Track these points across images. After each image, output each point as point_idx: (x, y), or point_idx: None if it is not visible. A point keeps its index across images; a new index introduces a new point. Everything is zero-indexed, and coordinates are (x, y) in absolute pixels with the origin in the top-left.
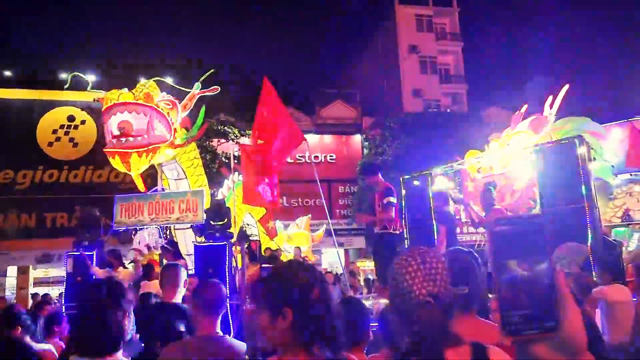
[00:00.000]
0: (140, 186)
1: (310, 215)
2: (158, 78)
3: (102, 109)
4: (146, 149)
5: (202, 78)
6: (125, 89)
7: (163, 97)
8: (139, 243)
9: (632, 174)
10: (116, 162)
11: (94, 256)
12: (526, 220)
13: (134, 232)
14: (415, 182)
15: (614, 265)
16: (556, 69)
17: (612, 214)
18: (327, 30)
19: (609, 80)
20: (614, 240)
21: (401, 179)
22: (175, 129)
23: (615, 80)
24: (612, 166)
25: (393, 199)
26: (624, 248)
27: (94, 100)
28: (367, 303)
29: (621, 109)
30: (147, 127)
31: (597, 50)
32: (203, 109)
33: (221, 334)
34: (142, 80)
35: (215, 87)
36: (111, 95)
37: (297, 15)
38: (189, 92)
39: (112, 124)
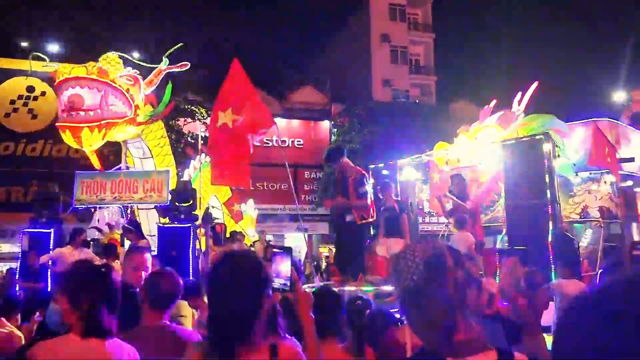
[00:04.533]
0: (96, 163)
1: (252, 199)
2: (119, 53)
3: (55, 83)
4: (98, 124)
5: (168, 52)
6: (93, 63)
7: (127, 73)
8: (97, 221)
9: (592, 172)
10: (67, 137)
11: (52, 234)
12: None
13: (94, 209)
14: (384, 172)
15: (572, 260)
16: (525, 65)
17: (572, 210)
18: (299, 14)
19: (576, 78)
20: (571, 236)
21: (370, 168)
22: (137, 106)
23: (582, 79)
24: (574, 164)
25: (369, 187)
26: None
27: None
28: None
29: (584, 109)
30: (100, 102)
31: (565, 47)
32: (169, 86)
33: (168, 323)
34: (106, 54)
35: (184, 62)
36: (63, 70)
37: None
38: (157, 67)
39: (64, 98)
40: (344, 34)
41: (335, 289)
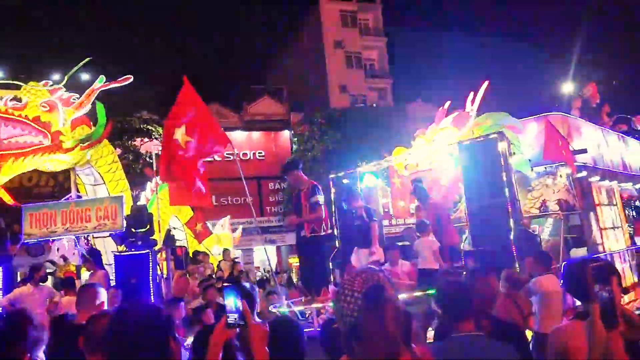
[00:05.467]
0: (6, 198)
1: (229, 216)
2: (44, 82)
3: None
4: None
5: (76, 69)
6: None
7: (55, 97)
8: (57, 250)
9: (547, 166)
10: None
11: (0, 272)
12: None
13: (51, 241)
14: (345, 180)
15: (544, 254)
16: (477, 65)
17: (531, 205)
18: (252, 25)
19: (527, 73)
20: (532, 230)
21: (330, 178)
22: (58, 132)
23: (532, 74)
24: (529, 160)
25: (320, 197)
26: (539, 236)
27: None
28: (297, 309)
29: (536, 103)
30: None
31: (514, 47)
32: (100, 107)
33: None
34: (27, 84)
35: (127, 76)
36: None
37: (222, 10)
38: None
39: None
40: (298, 43)
41: (300, 308)
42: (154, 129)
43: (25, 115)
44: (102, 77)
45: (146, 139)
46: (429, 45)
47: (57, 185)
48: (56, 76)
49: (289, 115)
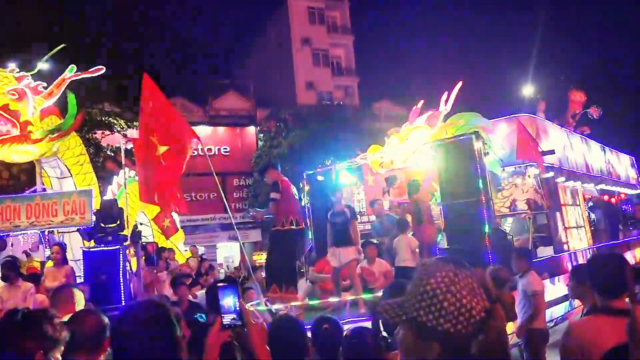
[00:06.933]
0: None
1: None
2: (13, 67)
3: None
4: None
5: (49, 55)
6: None
7: (21, 85)
8: (12, 246)
9: (517, 166)
10: None
11: None
12: None
13: (5, 236)
14: (320, 177)
15: (525, 250)
16: (442, 62)
17: (501, 204)
18: (219, 19)
19: (496, 77)
20: (503, 229)
21: (306, 174)
22: (27, 122)
23: (501, 78)
24: (501, 159)
25: (275, 194)
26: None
27: None
28: (275, 306)
29: (501, 105)
30: None
31: (484, 47)
32: (72, 97)
33: None
34: None
35: (99, 67)
36: None
37: (189, 3)
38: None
39: None
40: (265, 39)
41: (278, 306)
42: (115, 122)
43: (4, 104)
44: (73, 67)
45: (107, 132)
46: (396, 44)
47: (13, 178)
48: (12, 65)
49: (255, 110)
